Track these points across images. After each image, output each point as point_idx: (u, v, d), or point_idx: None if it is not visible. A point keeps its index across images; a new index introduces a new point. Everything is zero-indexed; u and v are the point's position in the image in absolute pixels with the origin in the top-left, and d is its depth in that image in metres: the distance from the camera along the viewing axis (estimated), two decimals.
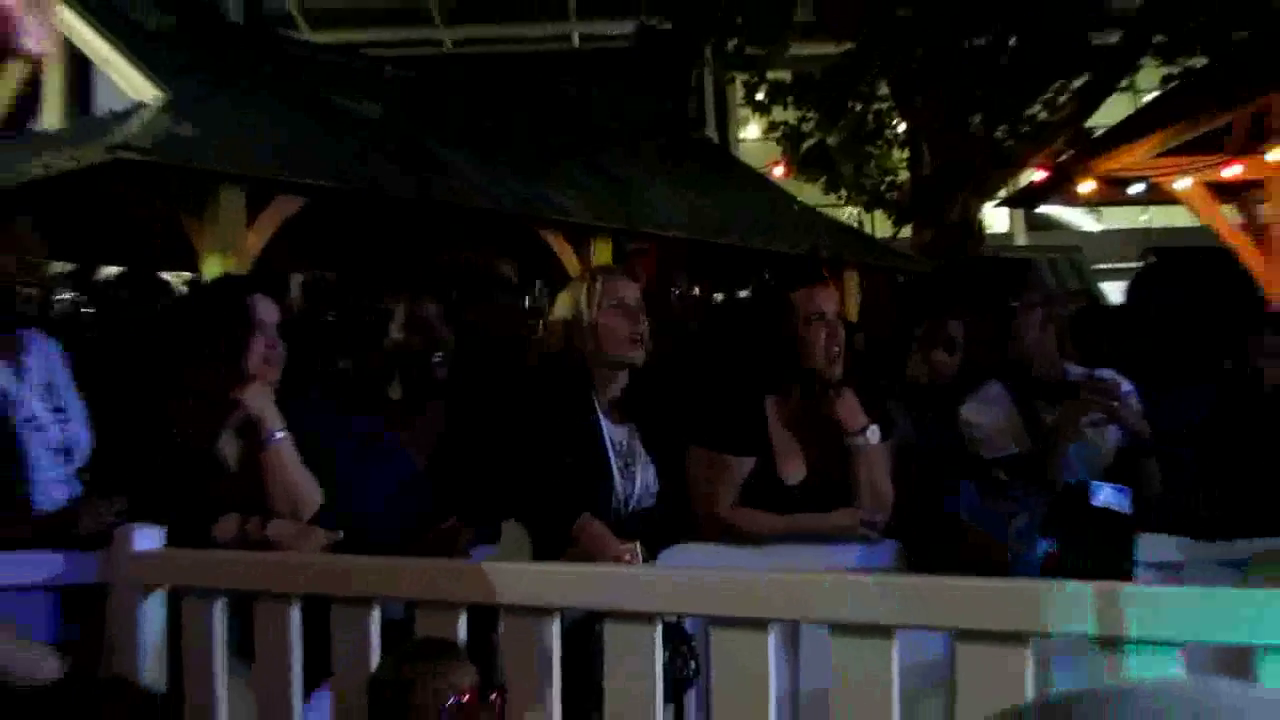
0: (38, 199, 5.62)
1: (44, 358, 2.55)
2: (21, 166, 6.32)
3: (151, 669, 2.23)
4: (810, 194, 11.04)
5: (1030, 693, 1.59)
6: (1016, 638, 1.60)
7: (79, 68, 7.50)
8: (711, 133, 14.58)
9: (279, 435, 2.36)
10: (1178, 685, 0.52)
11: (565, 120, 9.24)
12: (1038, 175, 9.10)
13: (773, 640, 1.81)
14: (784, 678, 2.17)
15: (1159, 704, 0.50)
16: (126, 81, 7.19)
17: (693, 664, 2.20)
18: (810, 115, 10.25)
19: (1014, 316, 2.92)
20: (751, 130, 13.69)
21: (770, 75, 10.09)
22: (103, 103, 7.39)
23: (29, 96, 7.40)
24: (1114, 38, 9.55)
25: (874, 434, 2.64)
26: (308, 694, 2.13)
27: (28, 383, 2.48)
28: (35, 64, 6.03)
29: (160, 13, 8.37)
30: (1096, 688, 0.52)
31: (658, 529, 2.52)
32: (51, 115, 7.45)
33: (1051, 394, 2.86)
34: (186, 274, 6.68)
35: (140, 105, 7.04)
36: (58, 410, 2.47)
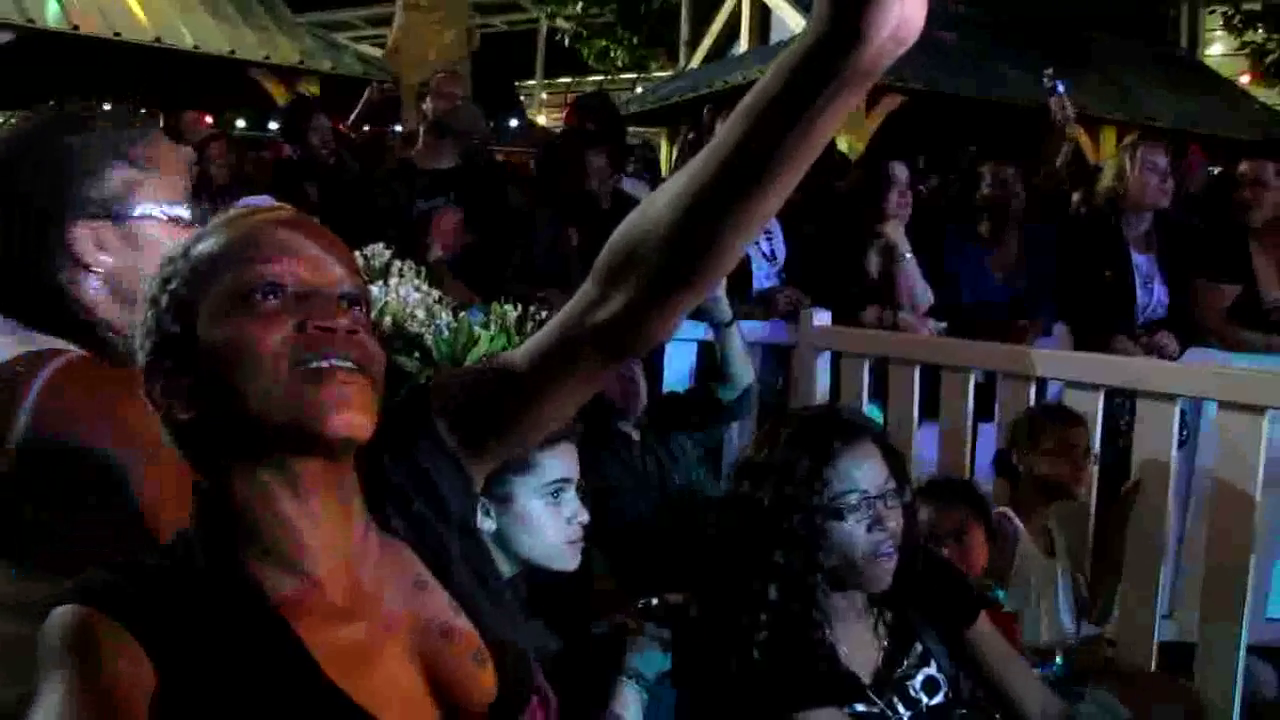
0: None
1: None
2: (729, 78, 9.75)
3: (819, 401, 3.45)
4: (1267, 97, 13.64)
5: None
6: None
7: (763, 13, 10.98)
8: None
9: (908, 256, 3.39)
10: None
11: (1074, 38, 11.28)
12: None
13: (1267, 422, 2.46)
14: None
15: None
16: (791, 20, 10.20)
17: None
18: (1276, 36, 13.35)
19: None
20: (1214, 48, 16.23)
21: (1244, 6, 13.66)
22: (776, 35, 10.69)
23: (731, 33, 11.49)
24: None
25: None
26: None
27: None
28: None
29: None
30: None
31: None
32: (743, 44, 11.22)
33: None
34: None
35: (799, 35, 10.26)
36: (767, 234, 3.73)
